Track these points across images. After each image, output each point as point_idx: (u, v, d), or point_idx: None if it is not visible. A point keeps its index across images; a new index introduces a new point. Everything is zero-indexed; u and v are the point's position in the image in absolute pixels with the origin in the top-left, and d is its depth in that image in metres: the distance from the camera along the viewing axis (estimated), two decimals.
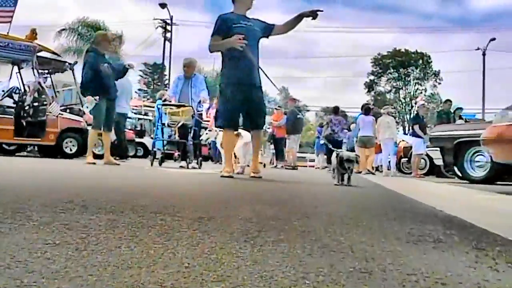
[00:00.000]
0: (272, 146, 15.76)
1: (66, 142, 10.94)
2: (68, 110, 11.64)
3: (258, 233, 1.40)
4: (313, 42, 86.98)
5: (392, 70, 48.59)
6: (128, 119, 18.77)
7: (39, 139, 10.57)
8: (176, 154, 11.19)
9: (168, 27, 30.63)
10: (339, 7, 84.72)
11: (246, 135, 5.70)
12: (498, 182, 7.54)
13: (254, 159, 5.46)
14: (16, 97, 10.91)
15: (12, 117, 10.42)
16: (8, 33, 10.28)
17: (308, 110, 50.74)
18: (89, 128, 7.71)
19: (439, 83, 47.61)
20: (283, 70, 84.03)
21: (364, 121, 11.63)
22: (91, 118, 7.59)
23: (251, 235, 1.37)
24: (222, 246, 1.18)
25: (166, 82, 29.90)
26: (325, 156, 13.35)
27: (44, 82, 10.95)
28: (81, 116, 11.02)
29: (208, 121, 11.86)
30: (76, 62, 12.21)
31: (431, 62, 47.57)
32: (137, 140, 16.94)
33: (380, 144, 11.59)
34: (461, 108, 11.56)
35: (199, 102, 7.64)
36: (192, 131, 7.62)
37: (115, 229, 1.36)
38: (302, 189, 4.10)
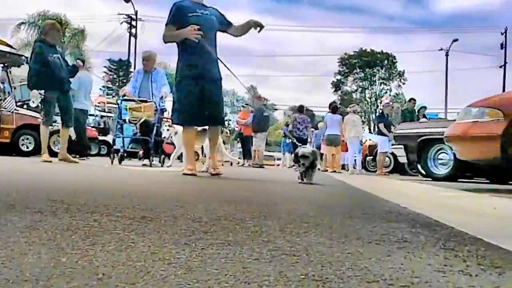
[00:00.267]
0: (239, 145, 15.57)
1: (22, 139, 10.46)
2: (25, 106, 11.05)
3: (203, 235, 1.23)
4: (281, 42, 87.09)
5: (358, 70, 49.48)
6: (91, 117, 18.26)
7: None
8: (141, 152, 10.83)
9: (133, 23, 29.91)
10: (305, 7, 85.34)
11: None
12: (460, 180, 7.64)
13: (212, 156, 5.25)
14: None
15: None
16: None
17: (276, 109, 50.79)
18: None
19: (404, 83, 48.89)
20: (252, 70, 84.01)
21: (332, 119, 11.67)
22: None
23: (195, 236, 1.20)
24: (155, 251, 1.00)
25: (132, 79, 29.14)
26: (293, 155, 13.28)
27: None
28: (39, 113, 10.46)
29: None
30: None
31: (396, 62, 48.76)
32: (101, 138, 16.43)
33: (346, 143, 11.64)
34: (425, 107, 11.71)
35: (161, 97, 7.33)
36: (155, 128, 7.31)
37: (33, 231, 1.16)
38: (264, 187, 3.94)
